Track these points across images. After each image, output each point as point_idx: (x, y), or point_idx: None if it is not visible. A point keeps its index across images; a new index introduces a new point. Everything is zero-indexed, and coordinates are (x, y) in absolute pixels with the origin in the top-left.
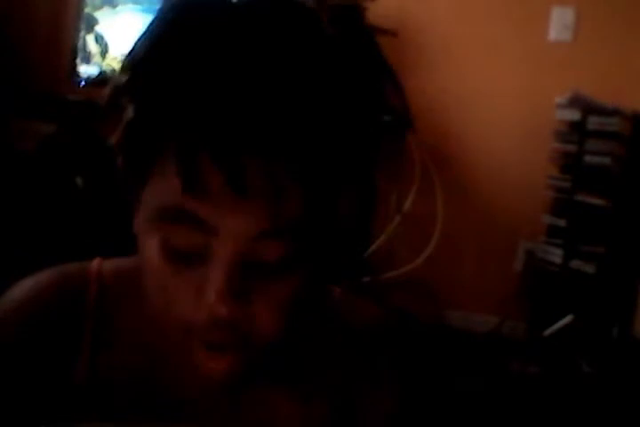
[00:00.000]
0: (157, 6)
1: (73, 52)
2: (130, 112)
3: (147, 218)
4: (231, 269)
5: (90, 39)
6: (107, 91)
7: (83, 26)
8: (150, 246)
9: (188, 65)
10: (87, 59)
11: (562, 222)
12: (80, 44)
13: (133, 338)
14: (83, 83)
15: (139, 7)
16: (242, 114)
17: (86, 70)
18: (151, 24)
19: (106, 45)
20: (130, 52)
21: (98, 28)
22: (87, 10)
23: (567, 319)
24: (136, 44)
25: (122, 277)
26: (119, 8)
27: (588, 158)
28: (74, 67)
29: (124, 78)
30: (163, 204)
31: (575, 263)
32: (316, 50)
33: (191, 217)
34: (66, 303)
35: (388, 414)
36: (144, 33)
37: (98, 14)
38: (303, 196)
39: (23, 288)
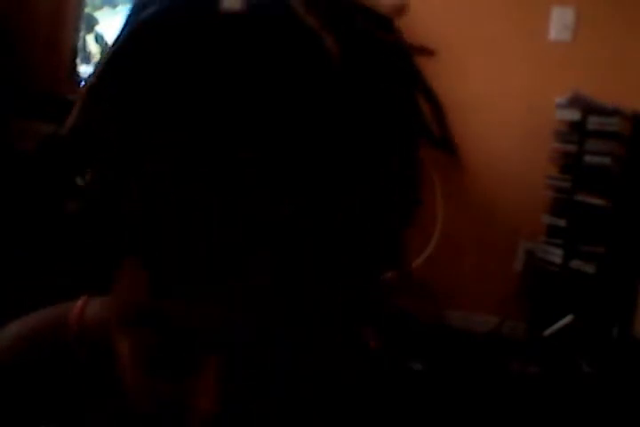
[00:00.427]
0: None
1: (73, 52)
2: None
3: (114, 320)
4: (222, 378)
5: (90, 39)
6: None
7: (83, 26)
8: (122, 348)
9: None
10: (87, 59)
11: (562, 222)
12: (80, 44)
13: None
14: (83, 83)
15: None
16: None
17: (86, 70)
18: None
19: (106, 45)
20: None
21: (98, 28)
22: (87, 10)
23: (567, 319)
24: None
25: (103, 323)
26: (119, 8)
27: (588, 158)
28: (74, 67)
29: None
30: (135, 305)
31: (575, 263)
32: (313, 62)
33: (167, 319)
34: (48, 352)
35: None
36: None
37: (98, 14)
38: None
39: (2, 340)
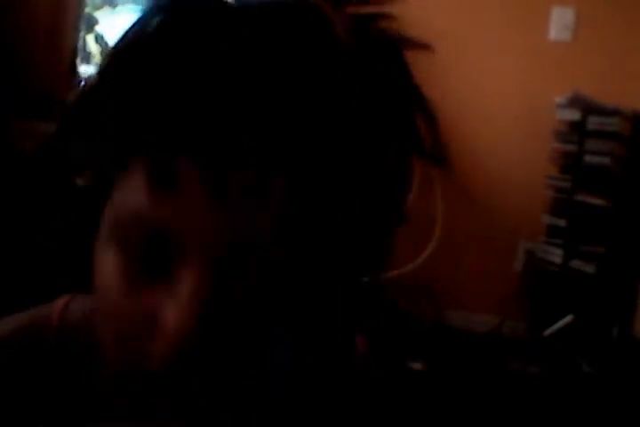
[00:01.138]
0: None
1: (73, 52)
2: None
3: (104, 235)
4: (196, 289)
5: (90, 39)
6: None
7: (83, 26)
8: (105, 265)
9: (168, 64)
10: (87, 59)
11: (562, 222)
12: (80, 44)
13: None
14: (83, 83)
15: (139, 7)
16: (224, 111)
17: (86, 70)
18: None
19: (106, 45)
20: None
21: (98, 28)
22: (87, 10)
23: (567, 319)
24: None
25: (85, 324)
26: (119, 8)
27: (588, 158)
28: (74, 67)
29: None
30: (123, 212)
31: (575, 263)
32: (318, 53)
33: (156, 224)
34: (26, 357)
35: None
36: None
37: (98, 14)
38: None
39: None
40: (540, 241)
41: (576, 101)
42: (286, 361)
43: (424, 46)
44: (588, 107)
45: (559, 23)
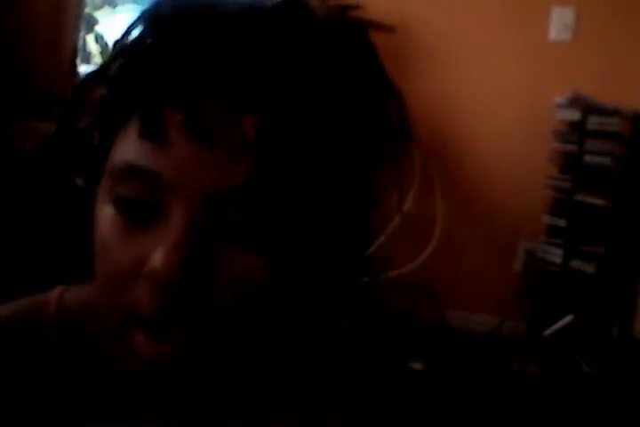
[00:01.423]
0: None
1: (73, 52)
2: (103, 89)
3: (104, 189)
4: (184, 230)
5: (90, 39)
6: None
7: (83, 26)
8: (103, 213)
9: (164, 41)
10: (87, 59)
11: (562, 222)
12: (80, 44)
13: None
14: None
15: (139, 7)
16: (208, 68)
17: (86, 70)
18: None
19: (106, 45)
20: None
21: (98, 28)
22: (87, 10)
23: (567, 319)
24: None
25: (81, 310)
26: (119, 8)
27: (588, 158)
28: (74, 67)
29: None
30: (118, 162)
31: (575, 263)
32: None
33: (146, 172)
34: (21, 345)
35: None
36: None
37: (98, 14)
38: (270, 158)
39: None
40: (540, 241)
41: (576, 101)
42: (287, 361)
43: (388, 28)
44: (588, 107)
45: (559, 23)
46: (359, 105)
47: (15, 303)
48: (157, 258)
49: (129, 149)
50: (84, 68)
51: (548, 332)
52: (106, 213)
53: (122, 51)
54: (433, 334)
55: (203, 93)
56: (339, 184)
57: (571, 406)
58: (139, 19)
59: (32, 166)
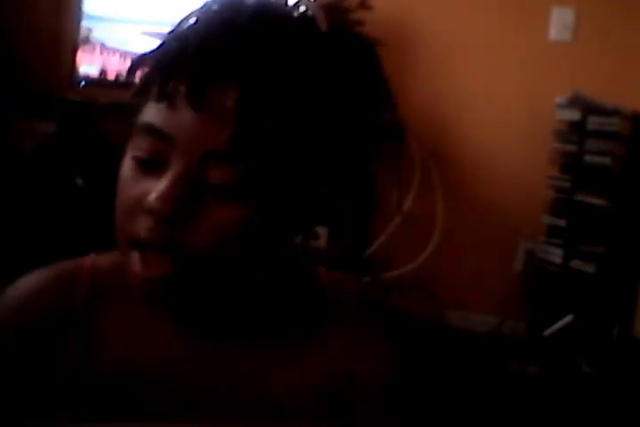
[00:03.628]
0: None
1: (73, 53)
2: (146, 68)
3: (128, 146)
4: (177, 179)
5: (89, 40)
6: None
7: (82, 26)
8: (126, 162)
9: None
10: (87, 59)
11: (562, 222)
12: (80, 44)
13: (123, 331)
14: (83, 83)
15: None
16: (216, 54)
17: (86, 70)
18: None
19: (105, 46)
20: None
21: (97, 30)
22: (87, 10)
23: (567, 319)
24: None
25: (114, 273)
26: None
27: (588, 158)
28: (74, 67)
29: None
30: (140, 122)
31: (575, 263)
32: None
33: (158, 130)
34: (55, 305)
35: (388, 385)
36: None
37: (98, 15)
38: (256, 129)
39: (19, 288)
40: (540, 241)
41: (576, 101)
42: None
43: (383, 44)
44: (588, 107)
45: (559, 23)
46: (351, 102)
47: (49, 268)
48: (154, 194)
49: (148, 112)
50: (84, 68)
51: (548, 332)
52: (127, 162)
53: (167, 38)
54: (433, 334)
55: (203, 69)
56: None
57: (571, 406)
58: (189, 15)
59: (32, 166)
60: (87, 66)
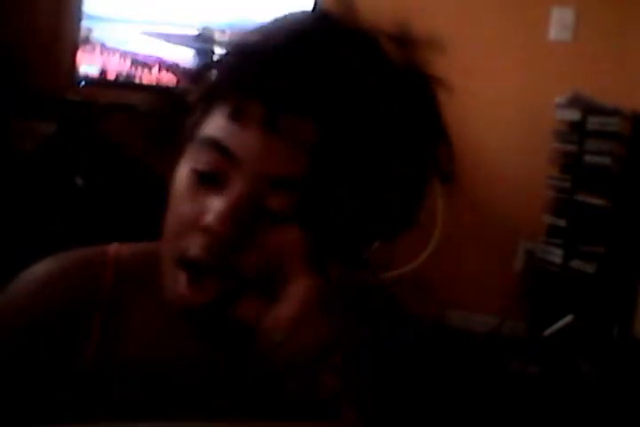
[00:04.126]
0: None
1: (73, 52)
2: (211, 77)
3: (185, 156)
4: (238, 200)
5: (90, 39)
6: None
7: (83, 26)
8: (181, 173)
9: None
10: (87, 59)
11: (562, 222)
12: (80, 43)
13: (144, 322)
14: (83, 83)
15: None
16: (292, 81)
17: (86, 70)
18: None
19: (106, 46)
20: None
21: (97, 30)
22: (87, 10)
23: (567, 319)
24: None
25: (138, 262)
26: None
27: (588, 158)
28: (74, 67)
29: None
30: (204, 136)
31: (575, 263)
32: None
33: (223, 147)
34: (81, 288)
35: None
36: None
37: (98, 15)
38: (320, 156)
39: (41, 271)
40: (540, 241)
41: (576, 101)
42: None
43: (448, 87)
44: (588, 107)
45: (559, 23)
46: (410, 141)
47: (65, 254)
48: (213, 215)
49: (213, 126)
50: (84, 68)
51: (548, 332)
52: (183, 174)
53: (234, 49)
54: (433, 334)
55: (283, 97)
56: (378, 197)
57: (571, 406)
58: (257, 28)
59: (32, 166)
60: (87, 66)
